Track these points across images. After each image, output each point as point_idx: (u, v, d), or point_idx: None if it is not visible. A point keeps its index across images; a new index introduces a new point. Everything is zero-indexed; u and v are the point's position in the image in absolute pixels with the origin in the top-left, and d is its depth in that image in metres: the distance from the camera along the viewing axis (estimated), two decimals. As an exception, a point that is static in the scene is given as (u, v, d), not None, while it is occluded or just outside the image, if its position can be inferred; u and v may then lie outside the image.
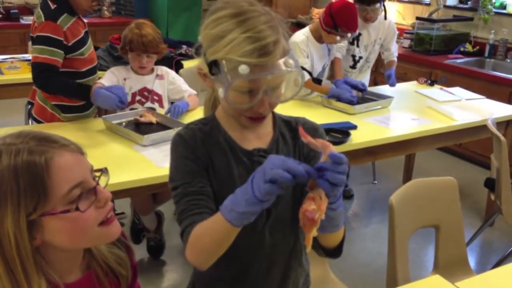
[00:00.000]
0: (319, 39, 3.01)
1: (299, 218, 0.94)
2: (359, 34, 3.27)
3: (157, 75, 2.75)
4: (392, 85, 3.27)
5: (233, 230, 0.97)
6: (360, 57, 3.36)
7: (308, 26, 3.08)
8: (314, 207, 0.91)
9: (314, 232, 0.93)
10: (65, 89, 2.42)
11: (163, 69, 2.79)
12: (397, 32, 3.45)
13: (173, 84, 2.78)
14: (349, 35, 2.92)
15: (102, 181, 1.01)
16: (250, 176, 0.93)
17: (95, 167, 1.01)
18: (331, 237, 1.11)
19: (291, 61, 1.03)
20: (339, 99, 2.93)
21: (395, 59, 3.44)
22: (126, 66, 2.75)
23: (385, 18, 3.28)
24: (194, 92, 2.80)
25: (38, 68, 2.34)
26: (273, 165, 0.89)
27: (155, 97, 2.74)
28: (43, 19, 2.35)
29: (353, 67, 3.39)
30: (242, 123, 1.13)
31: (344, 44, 3.22)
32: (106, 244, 1.08)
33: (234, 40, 1.00)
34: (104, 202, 0.97)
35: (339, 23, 2.85)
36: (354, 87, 2.99)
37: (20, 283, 0.91)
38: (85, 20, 2.62)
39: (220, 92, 1.04)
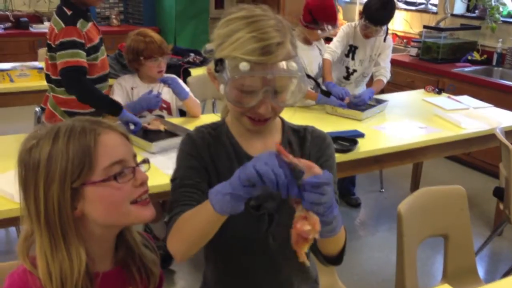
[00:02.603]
0: (306, 41, 3.03)
1: (291, 236, 0.93)
2: (356, 48, 3.25)
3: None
4: (356, 105, 3.00)
5: (216, 218, 0.96)
6: (355, 70, 3.32)
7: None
8: (309, 227, 0.91)
9: (306, 249, 0.93)
10: (99, 100, 2.45)
11: (170, 76, 2.80)
12: (391, 48, 3.31)
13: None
14: (329, 27, 2.92)
15: (144, 168, 1.09)
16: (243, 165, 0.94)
17: None
18: (330, 243, 1.10)
19: (294, 64, 1.04)
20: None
21: (384, 79, 3.26)
22: (133, 74, 2.76)
23: (384, 40, 3.21)
24: (197, 100, 2.81)
25: (71, 72, 2.35)
26: (267, 161, 0.89)
27: (164, 105, 2.75)
28: (63, 25, 2.37)
29: (347, 78, 3.35)
30: (244, 125, 1.13)
31: (336, 48, 3.17)
32: (143, 244, 1.16)
33: (240, 38, 1.03)
34: (140, 182, 1.05)
35: (317, 17, 2.88)
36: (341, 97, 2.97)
37: (59, 247, 0.99)
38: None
39: (221, 88, 1.07)
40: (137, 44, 2.62)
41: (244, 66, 1.01)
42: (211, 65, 1.11)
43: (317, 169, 0.92)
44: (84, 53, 2.39)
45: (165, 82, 2.63)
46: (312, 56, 3.06)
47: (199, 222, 1.00)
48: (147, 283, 1.14)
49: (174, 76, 2.76)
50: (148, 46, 2.60)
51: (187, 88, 2.79)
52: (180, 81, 2.78)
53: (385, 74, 3.28)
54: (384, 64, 3.28)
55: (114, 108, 2.46)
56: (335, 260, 1.15)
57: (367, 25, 3.07)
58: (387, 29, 3.17)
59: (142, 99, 2.59)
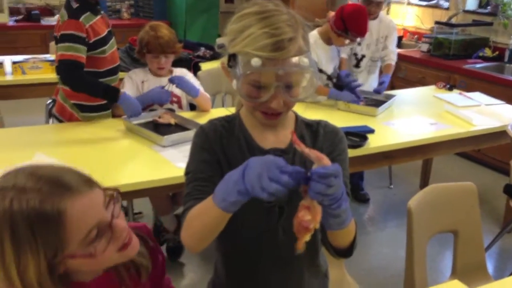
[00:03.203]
0: (327, 41, 3.01)
1: (293, 224, 0.94)
2: None
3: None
4: (378, 92, 3.19)
5: (225, 215, 0.98)
6: (363, 56, 3.35)
7: (316, 29, 3.06)
8: (310, 217, 0.92)
9: (307, 238, 0.94)
10: (93, 88, 2.46)
11: (181, 71, 2.81)
12: (396, 31, 3.42)
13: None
14: (358, 39, 2.94)
15: (117, 205, 1.01)
16: (243, 165, 0.93)
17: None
18: (340, 235, 1.11)
19: (305, 60, 1.05)
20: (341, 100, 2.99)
21: (393, 63, 3.40)
22: (144, 68, 2.77)
23: (388, 12, 3.30)
24: (207, 95, 2.80)
25: (65, 65, 2.39)
26: (270, 175, 0.88)
27: (174, 98, 2.76)
28: (66, 18, 2.40)
29: (357, 66, 3.38)
30: (258, 119, 1.14)
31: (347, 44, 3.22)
32: None
33: (252, 34, 1.03)
34: (120, 233, 0.99)
35: (349, 27, 2.85)
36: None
37: None
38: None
39: (234, 84, 1.08)
40: (144, 36, 2.63)
41: (255, 61, 1.02)
42: (225, 59, 1.12)
43: (325, 160, 0.94)
44: (83, 47, 2.40)
45: (172, 82, 2.62)
46: (329, 57, 3.07)
47: (207, 218, 1.01)
48: (138, 276, 1.12)
49: (181, 75, 2.73)
50: (150, 40, 2.59)
51: (197, 82, 2.80)
52: (189, 78, 2.77)
53: (393, 58, 3.39)
54: (392, 47, 3.37)
55: (111, 94, 2.47)
56: (345, 252, 1.16)
57: (367, 1, 3.13)
58: (389, 2, 3.23)
59: (153, 92, 2.60)
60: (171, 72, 2.76)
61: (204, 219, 1.02)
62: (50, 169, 0.95)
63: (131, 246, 1.02)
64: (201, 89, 2.78)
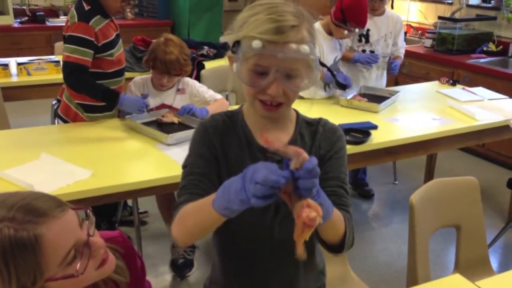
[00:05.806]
0: (329, 33, 3.06)
1: (295, 227, 0.91)
2: (368, 30, 3.30)
3: (178, 90, 2.70)
4: (393, 72, 3.41)
5: (220, 219, 0.98)
6: (372, 52, 3.36)
7: (318, 21, 3.10)
8: (315, 214, 0.90)
9: (306, 238, 0.92)
10: (93, 91, 2.49)
11: (185, 82, 2.73)
12: (403, 27, 3.49)
13: (197, 96, 2.71)
14: (356, 30, 2.97)
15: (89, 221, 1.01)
16: (242, 174, 0.91)
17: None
18: (329, 229, 1.10)
19: (306, 47, 1.06)
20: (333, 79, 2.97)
21: (402, 55, 3.50)
22: (146, 77, 2.72)
23: (392, 7, 3.35)
24: (220, 96, 2.74)
25: (69, 67, 2.42)
26: (264, 179, 0.86)
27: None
28: (76, 20, 2.42)
29: None
30: (257, 110, 1.14)
31: (347, 41, 3.26)
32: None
33: (257, 20, 1.06)
34: (98, 250, 1.00)
35: (348, 18, 2.90)
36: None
37: None
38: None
39: (234, 67, 1.10)
40: (155, 48, 2.57)
41: (256, 43, 1.04)
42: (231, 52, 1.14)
43: (305, 154, 0.91)
44: (89, 51, 2.43)
45: (180, 114, 2.55)
46: (330, 47, 3.09)
47: (201, 217, 1.02)
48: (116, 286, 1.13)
49: (191, 105, 2.57)
50: (158, 57, 2.53)
51: (204, 88, 2.73)
52: (196, 87, 2.71)
53: (402, 51, 3.51)
54: (399, 42, 3.48)
55: (111, 98, 2.49)
56: (338, 248, 1.15)
57: None
58: None
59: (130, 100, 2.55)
60: (173, 84, 2.69)
61: (199, 219, 1.03)
62: (20, 197, 0.95)
63: (109, 262, 1.03)
64: (210, 92, 2.71)
